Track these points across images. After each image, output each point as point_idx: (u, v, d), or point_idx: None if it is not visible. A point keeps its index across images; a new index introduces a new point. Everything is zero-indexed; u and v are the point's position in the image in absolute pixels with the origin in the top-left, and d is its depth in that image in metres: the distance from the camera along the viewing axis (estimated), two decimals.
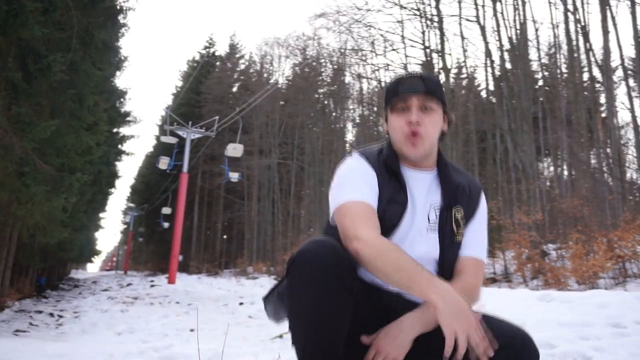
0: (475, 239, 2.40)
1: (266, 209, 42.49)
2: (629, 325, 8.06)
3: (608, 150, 30.75)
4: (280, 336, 8.67)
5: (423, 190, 2.39)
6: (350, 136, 45.65)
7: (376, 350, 2.10)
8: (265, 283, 28.85)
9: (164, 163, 29.76)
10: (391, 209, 2.26)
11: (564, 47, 29.85)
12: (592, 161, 31.86)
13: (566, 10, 24.90)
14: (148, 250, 53.92)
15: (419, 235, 2.33)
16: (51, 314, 17.44)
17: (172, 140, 28.19)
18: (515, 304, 7.89)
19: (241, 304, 17.44)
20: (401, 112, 2.35)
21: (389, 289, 2.28)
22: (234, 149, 26.71)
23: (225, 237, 48.47)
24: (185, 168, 27.16)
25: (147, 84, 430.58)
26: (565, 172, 34.60)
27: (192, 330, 10.59)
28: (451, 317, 1.94)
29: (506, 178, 31.32)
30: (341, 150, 41.54)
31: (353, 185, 2.31)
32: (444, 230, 2.34)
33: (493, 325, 2.11)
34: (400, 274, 2.04)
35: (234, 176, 29.69)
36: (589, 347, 5.04)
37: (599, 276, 15.39)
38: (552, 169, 35.43)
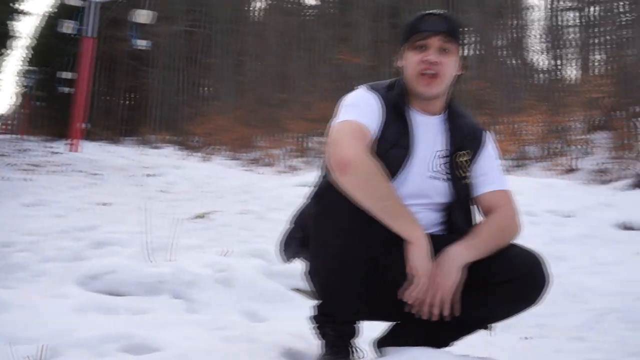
0: (492, 173, 2.40)
1: (172, 77, 41.42)
2: (539, 213, 8.43)
3: (514, 33, 31.28)
4: (202, 215, 8.57)
5: (429, 137, 2.34)
6: (260, 4, 44.42)
7: (419, 281, 2.11)
8: (170, 153, 28.52)
9: (68, 27, 28.25)
10: (394, 153, 2.20)
11: None
12: (499, 42, 32.34)
13: None
14: (46, 115, 51.96)
15: (419, 181, 2.30)
16: None
17: (78, 2, 26.66)
18: None
19: (149, 175, 17.15)
20: (419, 50, 2.27)
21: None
22: (144, 15, 25.59)
23: (128, 103, 47.17)
24: (90, 32, 25.85)
25: None
26: (472, 53, 35.03)
27: (104, 204, 10.34)
28: (420, 259, 2.09)
29: None
30: (250, 19, 40.65)
31: (354, 109, 2.24)
32: (454, 176, 2.33)
33: (504, 252, 2.15)
34: (387, 203, 2.04)
35: (143, 43, 28.63)
36: None
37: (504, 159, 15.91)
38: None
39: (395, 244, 2.23)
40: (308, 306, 3.91)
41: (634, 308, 4.58)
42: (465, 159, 2.35)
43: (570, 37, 31.47)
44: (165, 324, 2.63)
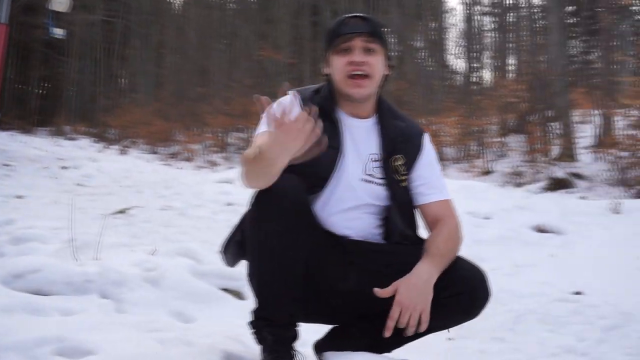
0: (433, 182, 2.43)
1: (88, 67, 40.40)
2: (460, 215, 8.60)
3: (433, 35, 31.83)
4: (122, 211, 8.41)
5: (360, 139, 2.37)
6: None
7: (401, 307, 2.12)
8: (86, 145, 27.81)
9: None
10: (325, 155, 2.18)
11: None
12: (418, 44, 32.84)
13: None
14: None
15: (352, 183, 2.32)
16: None
17: None
18: None
19: (64, 167, 16.69)
20: (344, 53, 2.29)
21: (344, 233, 2.33)
22: (60, 3, 24.79)
23: (42, 92, 45.74)
24: (3, 18, 24.85)
25: None
26: (391, 54, 35.45)
27: (19, 197, 10.01)
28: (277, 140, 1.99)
29: None
30: (170, 11, 40.05)
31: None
32: (389, 180, 2.35)
33: (451, 267, 2.23)
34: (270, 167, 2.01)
35: (59, 33, 27.73)
36: None
37: None
38: None
39: (330, 247, 2.26)
40: (238, 306, 3.92)
41: (551, 310, 4.74)
42: (400, 163, 2.37)
43: (486, 42, 32.33)
44: (97, 325, 2.58)
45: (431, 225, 2.39)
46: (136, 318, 2.88)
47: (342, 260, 2.26)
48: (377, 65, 2.30)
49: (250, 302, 4.01)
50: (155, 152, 25.53)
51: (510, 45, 28.55)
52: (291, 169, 2.10)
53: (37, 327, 2.41)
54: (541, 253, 7.03)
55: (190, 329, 2.77)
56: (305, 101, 2.32)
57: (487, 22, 33.75)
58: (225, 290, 4.01)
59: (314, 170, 2.21)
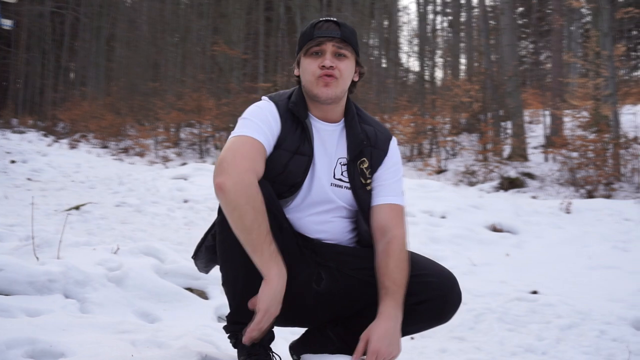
0: (388, 185, 2.42)
1: (36, 59, 39.59)
2: (416, 213, 8.69)
3: (387, 33, 32.01)
4: (77, 207, 8.27)
5: (330, 144, 2.37)
6: None
7: (377, 354, 2.13)
8: (34, 138, 27.25)
9: None
10: (296, 161, 2.23)
11: None
12: (372, 42, 33.00)
13: None
14: None
15: (324, 188, 2.33)
16: None
17: None
18: None
19: (13, 161, 16.36)
20: (315, 57, 2.29)
21: (317, 237, 2.34)
22: None
23: None
24: None
25: None
26: None
27: None
28: (264, 296, 2.05)
29: (290, 49, 31.60)
30: (122, 4, 39.51)
31: (250, 123, 2.25)
32: (355, 184, 2.35)
33: (421, 272, 2.24)
34: (249, 236, 2.04)
35: (7, 23, 27.16)
36: None
37: None
38: None
39: (302, 249, 2.27)
40: (202, 305, 3.90)
41: (509, 309, 4.82)
42: (365, 166, 2.38)
43: (440, 41, 32.63)
44: (66, 326, 2.54)
45: (377, 232, 2.36)
46: (104, 319, 2.83)
47: (314, 262, 2.27)
48: (346, 70, 2.30)
49: (213, 302, 4.01)
50: (106, 147, 25.16)
51: (463, 44, 28.87)
52: (264, 176, 2.14)
53: (6, 328, 2.36)
54: (497, 252, 7.14)
55: (161, 330, 2.74)
56: (279, 108, 2.32)
57: (440, 21, 34.12)
58: (189, 289, 3.99)
59: (286, 177, 2.23)
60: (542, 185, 12.99)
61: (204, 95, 23.36)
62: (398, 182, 2.44)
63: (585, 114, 15.08)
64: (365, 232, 2.36)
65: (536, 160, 15.72)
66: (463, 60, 29.17)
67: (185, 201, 9.32)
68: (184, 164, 20.42)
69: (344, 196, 2.35)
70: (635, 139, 12.78)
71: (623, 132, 13.24)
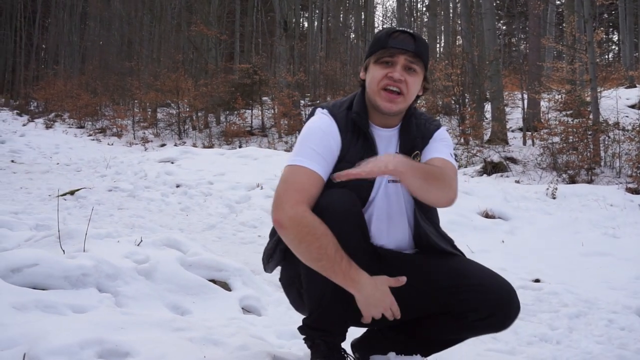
0: (436, 147, 2.42)
1: (7, 37, 38.98)
2: None
3: (364, 14, 32.02)
4: (72, 193, 8.25)
5: (390, 149, 2.40)
6: None
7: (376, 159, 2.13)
8: (8, 117, 26.96)
9: None
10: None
11: None
12: (349, 23, 32.96)
13: None
14: None
15: (387, 191, 2.36)
16: None
17: None
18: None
19: None
20: (385, 66, 2.29)
21: (380, 243, 2.40)
22: None
23: None
24: None
25: None
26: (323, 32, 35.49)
27: None
28: (367, 305, 2.12)
29: (269, 31, 31.49)
30: None
31: (308, 148, 2.26)
32: None
33: (480, 284, 2.26)
34: (320, 264, 2.08)
35: None
36: None
37: None
38: (315, 25, 36.06)
39: (370, 254, 2.30)
40: (227, 297, 3.95)
41: None
42: (419, 158, 2.40)
43: (418, 24, 32.68)
44: (122, 324, 2.58)
45: None
46: (156, 315, 2.89)
47: (375, 269, 2.28)
48: (413, 85, 2.31)
49: (236, 293, 4.07)
50: (82, 127, 24.94)
51: (442, 28, 28.97)
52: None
53: (73, 328, 2.40)
54: (492, 239, 7.25)
55: (214, 329, 2.79)
56: (339, 121, 2.34)
57: (420, 3, 34.17)
58: (212, 281, 4.04)
59: (356, 191, 2.23)
60: (524, 170, 13.14)
61: (182, 75, 23.21)
62: (447, 147, 2.44)
63: (561, 96, 15.25)
64: (427, 231, 2.37)
65: (517, 144, 15.88)
66: (443, 44, 29.25)
67: (178, 186, 9.31)
68: (163, 145, 20.37)
69: (401, 191, 2.36)
70: (616, 125, 12.98)
71: (604, 118, 13.43)
